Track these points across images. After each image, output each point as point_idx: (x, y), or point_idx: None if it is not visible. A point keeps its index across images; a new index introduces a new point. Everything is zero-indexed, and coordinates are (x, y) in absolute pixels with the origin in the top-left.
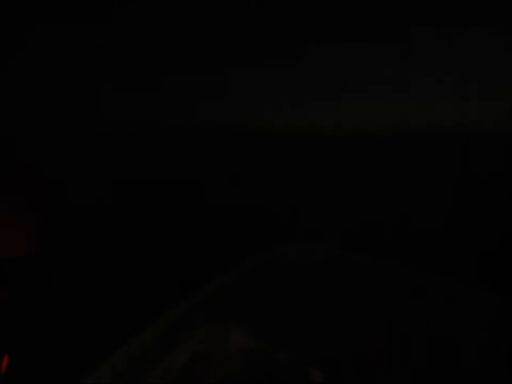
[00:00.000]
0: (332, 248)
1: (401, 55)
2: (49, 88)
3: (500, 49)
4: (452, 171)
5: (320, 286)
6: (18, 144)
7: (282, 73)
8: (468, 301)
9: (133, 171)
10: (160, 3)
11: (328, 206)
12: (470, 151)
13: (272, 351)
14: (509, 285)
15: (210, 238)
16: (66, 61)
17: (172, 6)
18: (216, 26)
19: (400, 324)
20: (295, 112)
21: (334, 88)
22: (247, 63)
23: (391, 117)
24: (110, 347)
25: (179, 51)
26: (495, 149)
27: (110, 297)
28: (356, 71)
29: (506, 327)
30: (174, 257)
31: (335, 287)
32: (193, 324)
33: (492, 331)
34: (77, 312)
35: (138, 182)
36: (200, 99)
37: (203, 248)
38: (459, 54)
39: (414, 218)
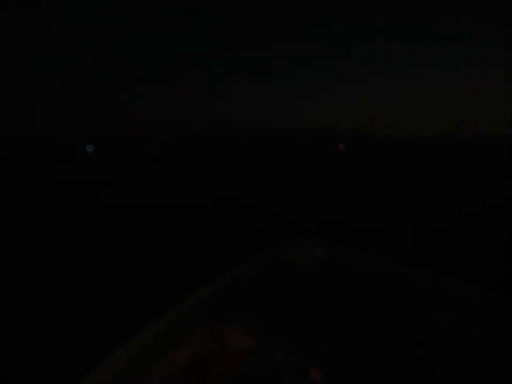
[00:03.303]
0: (332, 248)
1: None
2: None
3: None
4: (454, 172)
5: (320, 286)
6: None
7: None
8: (469, 300)
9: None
10: None
11: (329, 206)
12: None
13: (272, 351)
14: (509, 285)
15: (210, 237)
16: None
17: None
18: None
19: (401, 323)
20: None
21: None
22: None
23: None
24: (110, 347)
25: None
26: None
27: (110, 297)
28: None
29: (506, 328)
30: (174, 257)
31: (335, 287)
32: (193, 323)
33: (492, 331)
34: (77, 312)
35: (140, 183)
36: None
37: (203, 248)
38: None
39: (415, 218)
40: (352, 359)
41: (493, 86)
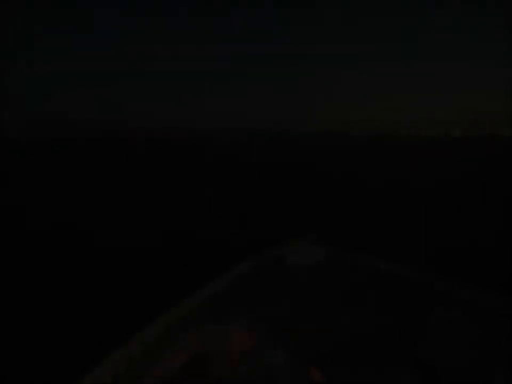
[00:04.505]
0: (332, 248)
1: None
2: None
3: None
4: (453, 171)
5: (320, 286)
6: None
7: None
8: (469, 300)
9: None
10: None
11: (328, 206)
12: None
13: (272, 351)
14: (509, 285)
15: (210, 237)
16: None
17: None
18: None
19: (401, 323)
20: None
21: None
22: None
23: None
24: (110, 347)
25: None
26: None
27: (110, 297)
28: None
29: (506, 328)
30: (174, 257)
31: (335, 287)
32: (193, 324)
33: (492, 331)
34: (77, 312)
35: (145, 182)
36: None
37: (203, 247)
38: None
39: (414, 217)
40: (352, 359)
41: (494, 86)
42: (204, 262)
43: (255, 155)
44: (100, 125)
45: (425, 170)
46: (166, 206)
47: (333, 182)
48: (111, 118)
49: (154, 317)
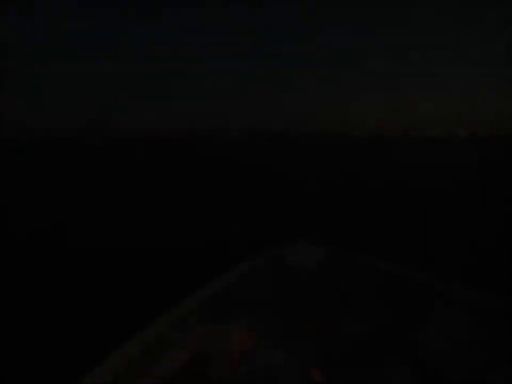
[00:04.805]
0: (332, 248)
1: None
2: None
3: None
4: (452, 171)
5: (320, 286)
6: None
7: None
8: (469, 301)
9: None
10: None
11: (328, 206)
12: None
13: (272, 351)
14: (509, 285)
15: (210, 236)
16: None
17: None
18: None
19: (400, 323)
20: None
21: None
22: None
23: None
24: (110, 347)
25: None
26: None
27: (111, 297)
28: None
29: (506, 328)
30: (175, 257)
31: (335, 287)
32: (193, 323)
33: (492, 331)
34: (77, 312)
35: (148, 179)
36: None
37: (203, 247)
38: None
39: (414, 217)
40: (352, 359)
41: (494, 86)
42: (204, 262)
43: (255, 155)
44: (100, 125)
45: (425, 170)
46: (166, 205)
47: (333, 182)
48: (112, 118)
49: (154, 317)
